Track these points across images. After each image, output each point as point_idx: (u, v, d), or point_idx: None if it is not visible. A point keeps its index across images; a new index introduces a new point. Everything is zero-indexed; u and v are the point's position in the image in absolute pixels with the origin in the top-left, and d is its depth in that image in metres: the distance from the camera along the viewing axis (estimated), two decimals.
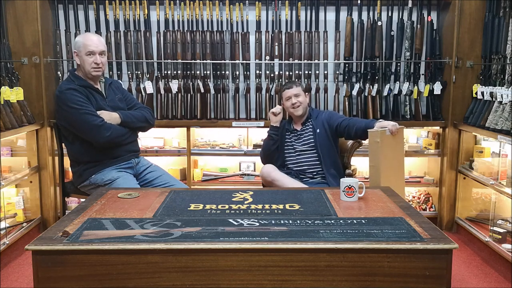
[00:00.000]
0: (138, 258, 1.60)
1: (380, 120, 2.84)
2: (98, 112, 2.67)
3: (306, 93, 3.18)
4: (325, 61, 3.81)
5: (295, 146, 3.09)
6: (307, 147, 3.05)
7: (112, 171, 2.72)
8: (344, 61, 3.82)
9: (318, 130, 3.04)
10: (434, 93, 3.77)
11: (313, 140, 3.04)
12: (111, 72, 3.82)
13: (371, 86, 3.80)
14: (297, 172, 3.04)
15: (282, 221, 1.83)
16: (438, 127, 3.85)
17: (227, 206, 2.04)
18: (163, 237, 1.66)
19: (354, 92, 3.80)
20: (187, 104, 3.83)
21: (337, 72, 3.86)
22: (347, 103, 3.83)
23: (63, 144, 2.90)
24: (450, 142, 3.73)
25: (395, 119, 3.82)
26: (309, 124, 3.11)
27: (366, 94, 3.81)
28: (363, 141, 3.08)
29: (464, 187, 3.70)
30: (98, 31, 3.75)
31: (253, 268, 1.61)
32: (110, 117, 2.70)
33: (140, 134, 3.02)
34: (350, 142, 3.12)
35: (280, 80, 3.81)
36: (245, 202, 2.10)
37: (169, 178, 2.90)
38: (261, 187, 3.07)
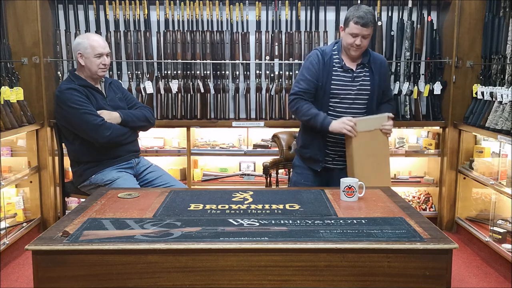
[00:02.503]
0: (138, 258, 1.60)
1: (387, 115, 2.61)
2: (98, 112, 2.67)
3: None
4: None
5: (350, 88, 2.60)
6: (361, 93, 2.61)
7: (112, 171, 2.72)
8: None
9: (376, 77, 2.61)
10: (434, 93, 3.78)
11: (370, 86, 2.61)
12: (111, 72, 3.82)
13: None
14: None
15: (282, 221, 1.83)
16: (438, 127, 3.85)
17: (227, 206, 2.04)
18: (163, 237, 1.65)
19: None
20: (187, 104, 3.83)
21: None
22: None
23: (63, 144, 2.90)
24: (450, 142, 3.73)
25: (395, 119, 3.80)
26: (366, 67, 2.63)
27: None
28: None
29: (464, 187, 3.70)
30: (98, 31, 3.75)
31: (253, 268, 1.61)
32: (110, 116, 2.70)
33: (140, 134, 3.02)
34: None
35: (280, 80, 3.81)
36: (245, 202, 2.10)
37: (169, 178, 2.90)
38: (261, 187, 3.06)
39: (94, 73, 2.71)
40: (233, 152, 3.91)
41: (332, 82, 2.60)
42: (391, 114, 2.65)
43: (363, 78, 2.62)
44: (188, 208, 2.01)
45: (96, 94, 2.75)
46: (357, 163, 2.56)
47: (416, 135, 4.10)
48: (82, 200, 2.41)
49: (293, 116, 3.63)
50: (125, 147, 2.78)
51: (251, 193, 2.27)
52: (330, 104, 2.63)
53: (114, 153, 2.75)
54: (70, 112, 2.64)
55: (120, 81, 3.37)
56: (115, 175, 2.70)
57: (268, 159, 3.03)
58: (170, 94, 3.82)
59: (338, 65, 2.62)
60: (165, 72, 3.81)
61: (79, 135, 2.69)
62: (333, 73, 2.61)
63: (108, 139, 2.65)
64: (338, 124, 2.53)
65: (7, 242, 3.10)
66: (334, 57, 2.63)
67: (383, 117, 2.62)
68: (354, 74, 2.61)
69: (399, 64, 3.84)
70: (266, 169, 2.99)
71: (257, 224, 1.79)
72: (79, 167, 2.77)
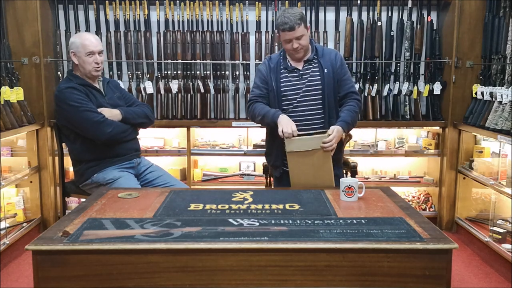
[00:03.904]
0: (138, 258, 1.60)
1: (335, 128, 2.49)
2: (99, 109, 2.67)
3: (308, 26, 2.62)
4: None
5: (299, 87, 2.63)
6: (311, 88, 2.62)
7: (114, 171, 2.72)
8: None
9: (326, 71, 2.61)
10: (434, 93, 3.78)
11: (320, 81, 2.61)
12: (111, 73, 3.82)
13: (370, 86, 3.80)
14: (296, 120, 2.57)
15: (282, 221, 1.83)
16: (438, 127, 3.85)
17: (227, 206, 2.04)
18: (163, 237, 1.66)
19: None
20: (187, 104, 3.84)
21: None
22: None
23: (63, 144, 2.90)
24: (450, 142, 3.74)
25: (395, 119, 3.82)
26: (314, 63, 2.65)
27: (366, 94, 3.81)
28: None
29: (464, 187, 3.70)
30: (98, 31, 3.75)
31: (253, 268, 1.61)
32: (111, 113, 2.70)
33: (140, 134, 3.02)
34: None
35: None
36: (245, 202, 2.11)
37: (169, 178, 2.90)
38: (261, 187, 3.07)
39: (87, 72, 2.71)
40: (233, 152, 3.91)
41: (281, 85, 2.66)
42: (329, 131, 2.48)
43: (310, 74, 2.64)
44: (188, 208, 2.02)
45: (95, 93, 2.75)
46: (295, 181, 2.55)
47: (416, 135, 4.10)
48: (82, 200, 2.41)
49: None
50: (126, 145, 2.78)
51: (251, 193, 2.27)
52: (284, 108, 2.65)
53: (115, 151, 2.75)
54: (70, 110, 2.64)
55: (117, 81, 3.37)
56: (117, 175, 2.70)
57: None
58: (170, 94, 3.82)
59: (283, 67, 2.68)
60: (165, 72, 3.81)
61: (80, 133, 2.69)
62: (281, 76, 2.67)
63: (109, 135, 2.65)
64: (285, 122, 2.48)
65: (7, 242, 3.10)
66: (280, 61, 2.69)
67: (320, 136, 2.48)
68: (301, 72, 2.65)
69: (398, 64, 3.84)
70: (266, 169, 2.99)
71: (257, 224, 1.80)
72: (80, 166, 2.77)
